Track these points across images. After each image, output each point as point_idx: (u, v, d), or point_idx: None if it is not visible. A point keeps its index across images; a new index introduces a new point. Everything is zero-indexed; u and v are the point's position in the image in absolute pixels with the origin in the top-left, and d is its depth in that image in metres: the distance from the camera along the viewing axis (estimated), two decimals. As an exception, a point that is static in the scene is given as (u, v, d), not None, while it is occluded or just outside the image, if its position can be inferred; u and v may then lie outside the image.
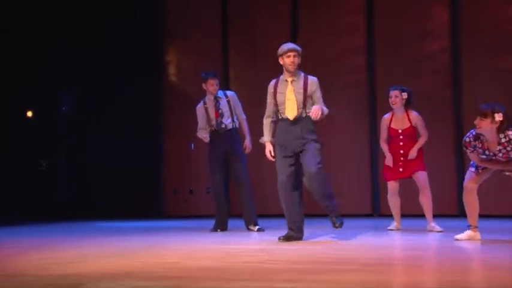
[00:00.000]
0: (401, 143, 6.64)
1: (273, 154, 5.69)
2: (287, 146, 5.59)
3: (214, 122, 6.92)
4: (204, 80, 6.94)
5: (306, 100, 5.61)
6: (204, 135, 6.87)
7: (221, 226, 6.94)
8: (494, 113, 5.13)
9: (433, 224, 6.44)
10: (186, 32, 10.08)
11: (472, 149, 5.31)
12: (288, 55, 5.61)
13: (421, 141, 6.63)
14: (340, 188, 9.04)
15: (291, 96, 5.61)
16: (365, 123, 9.14)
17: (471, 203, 5.43)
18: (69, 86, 9.97)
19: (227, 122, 6.92)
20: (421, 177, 6.53)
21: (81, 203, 9.96)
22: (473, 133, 5.27)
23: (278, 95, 5.66)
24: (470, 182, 5.41)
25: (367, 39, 9.20)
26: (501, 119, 5.09)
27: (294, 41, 9.30)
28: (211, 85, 6.91)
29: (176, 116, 9.88)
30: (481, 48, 8.60)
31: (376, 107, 9.04)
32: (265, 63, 9.22)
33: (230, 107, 6.95)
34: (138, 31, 9.97)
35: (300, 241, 5.60)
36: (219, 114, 6.92)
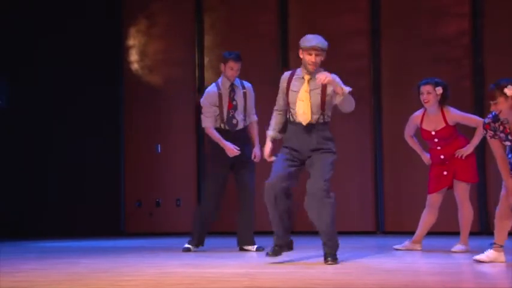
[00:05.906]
0: (438, 147, 6.62)
1: (267, 154, 5.75)
2: (295, 153, 5.66)
3: (224, 115, 6.84)
4: (225, 61, 6.85)
5: (324, 104, 5.68)
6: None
7: (198, 243, 6.88)
8: (503, 88, 5.16)
9: (460, 246, 6.46)
10: (150, 9, 10.08)
11: (492, 133, 5.33)
12: (310, 53, 5.64)
13: (478, 133, 6.38)
14: (337, 202, 9.07)
15: (305, 97, 5.65)
16: (367, 122, 9.16)
17: (500, 215, 5.45)
18: (5, 76, 9.90)
19: (239, 117, 6.87)
20: (460, 188, 6.52)
21: (17, 219, 9.87)
22: (494, 113, 5.31)
23: (290, 93, 5.72)
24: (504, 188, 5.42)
25: (371, 18, 9.27)
26: None
27: (282, 18, 9.44)
28: (230, 68, 6.83)
29: (139, 112, 9.84)
30: (508, 32, 8.69)
31: (381, 102, 9.10)
32: (247, 44, 9.28)
33: (245, 101, 6.90)
34: (91, 11, 9.94)
35: (291, 258, 5.71)
36: (232, 106, 6.86)
